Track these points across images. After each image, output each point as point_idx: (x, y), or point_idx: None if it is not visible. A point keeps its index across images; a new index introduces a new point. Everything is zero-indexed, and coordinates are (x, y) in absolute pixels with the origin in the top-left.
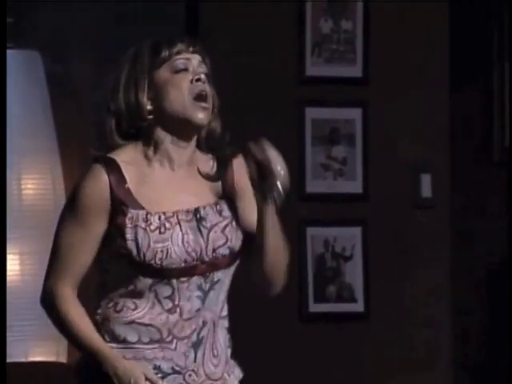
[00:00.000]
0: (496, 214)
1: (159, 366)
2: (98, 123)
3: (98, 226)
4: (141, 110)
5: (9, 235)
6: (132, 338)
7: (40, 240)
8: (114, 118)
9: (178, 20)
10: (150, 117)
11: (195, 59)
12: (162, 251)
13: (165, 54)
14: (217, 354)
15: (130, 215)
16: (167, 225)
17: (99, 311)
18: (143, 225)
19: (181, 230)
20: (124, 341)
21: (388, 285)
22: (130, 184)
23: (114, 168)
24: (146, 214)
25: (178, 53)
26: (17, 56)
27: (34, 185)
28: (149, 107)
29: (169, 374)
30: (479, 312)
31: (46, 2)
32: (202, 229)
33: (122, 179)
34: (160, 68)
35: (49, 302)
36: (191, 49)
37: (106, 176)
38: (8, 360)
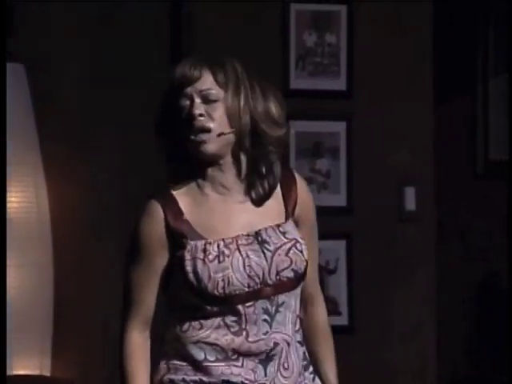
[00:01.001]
0: (480, 226)
1: (228, 381)
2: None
3: (158, 262)
4: (179, 150)
5: None
6: (198, 356)
7: (24, 253)
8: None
9: (164, 28)
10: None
11: (197, 92)
12: (223, 280)
13: (177, 98)
14: (287, 366)
15: (188, 247)
16: (226, 252)
17: (167, 332)
18: (201, 256)
19: (241, 254)
20: (191, 359)
21: (372, 298)
22: (187, 215)
23: (169, 201)
24: (205, 244)
25: (185, 95)
26: None
27: (18, 198)
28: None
29: None
30: (466, 324)
31: (30, 15)
32: (266, 251)
33: (178, 211)
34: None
35: (118, 343)
36: (195, 73)
37: (162, 210)
38: None
